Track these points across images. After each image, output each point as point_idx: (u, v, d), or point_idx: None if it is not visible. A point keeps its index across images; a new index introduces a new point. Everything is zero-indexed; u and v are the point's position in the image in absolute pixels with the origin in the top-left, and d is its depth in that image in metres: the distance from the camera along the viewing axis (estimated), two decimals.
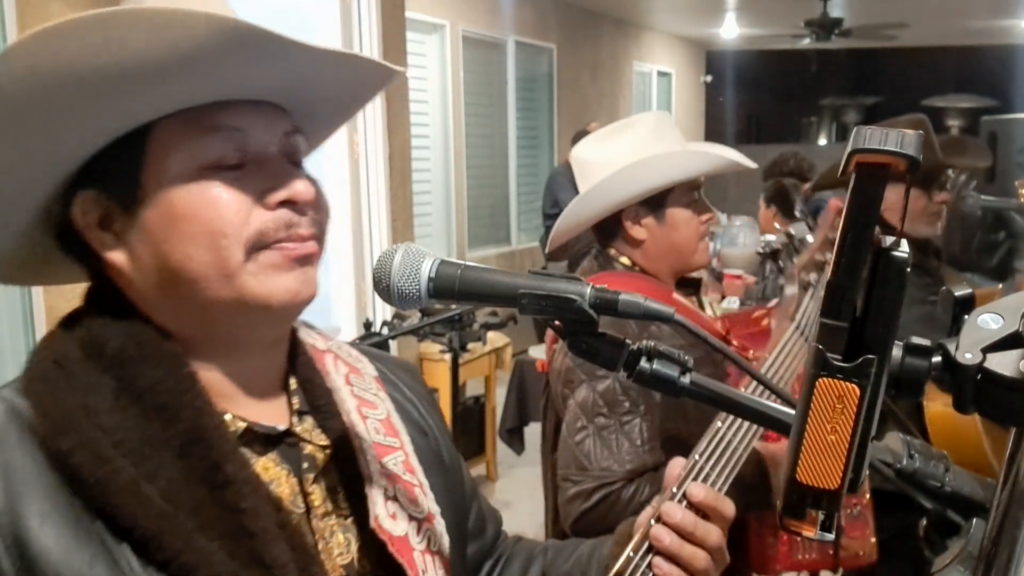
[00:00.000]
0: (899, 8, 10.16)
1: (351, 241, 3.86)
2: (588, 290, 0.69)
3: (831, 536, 0.50)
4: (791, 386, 1.46)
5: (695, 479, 1.10)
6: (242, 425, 0.79)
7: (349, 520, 0.83)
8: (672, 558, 0.95)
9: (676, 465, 1.05)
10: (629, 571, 0.98)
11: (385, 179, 3.92)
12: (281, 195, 0.77)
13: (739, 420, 1.21)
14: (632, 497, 1.47)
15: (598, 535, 1.42)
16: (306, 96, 0.82)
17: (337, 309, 3.95)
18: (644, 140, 1.69)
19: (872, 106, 17.40)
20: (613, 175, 1.66)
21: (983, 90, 14.09)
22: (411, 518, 0.84)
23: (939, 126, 11.97)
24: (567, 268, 4.94)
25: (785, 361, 1.42)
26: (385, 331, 3.13)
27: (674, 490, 1.01)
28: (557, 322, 0.71)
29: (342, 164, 3.84)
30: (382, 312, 3.86)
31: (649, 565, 0.97)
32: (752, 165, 1.77)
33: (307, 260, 0.79)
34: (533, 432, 4.36)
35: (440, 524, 0.88)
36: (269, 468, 0.80)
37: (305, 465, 0.82)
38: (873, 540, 1.61)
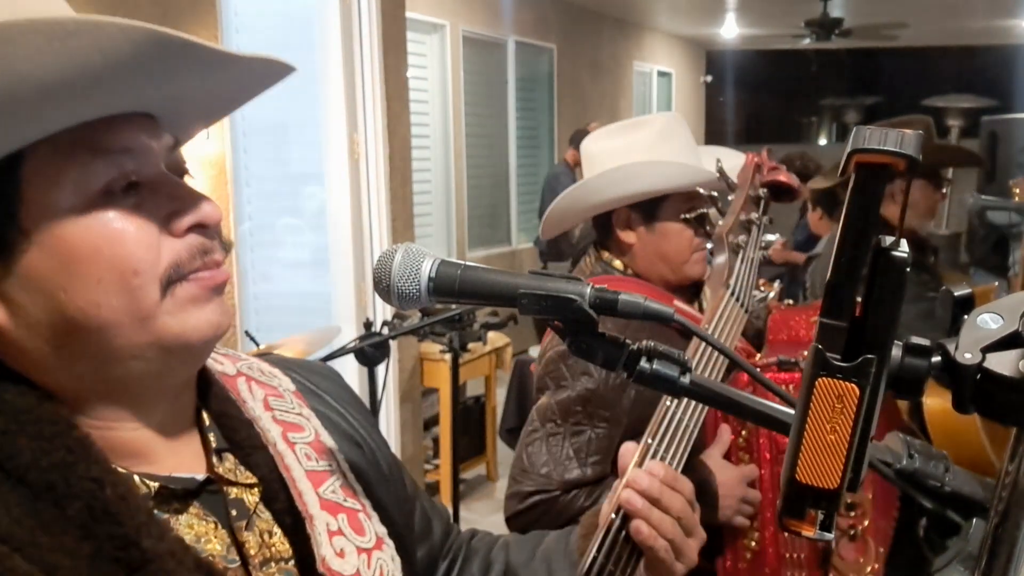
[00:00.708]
0: (899, 8, 10.16)
1: (351, 241, 3.86)
2: (588, 290, 0.69)
3: (830, 536, 0.50)
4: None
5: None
6: (155, 485, 0.69)
7: (290, 563, 0.75)
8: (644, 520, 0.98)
9: (627, 452, 1.06)
10: (608, 541, 1.01)
11: (385, 179, 3.92)
12: (190, 220, 0.68)
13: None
14: (567, 506, 1.50)
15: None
16: (185, 102, 0.72)
17: (337, 309, 3.95)
18: (647, 143, 1.67)
19: (872, 106, 17.39)
20: (600, 176, 1.65)
21: (983, 90, 14.07)
22: (359, 550, 0.77)
23: (939, 126, 11.96)
24: (569, 268, 4.93)
25: (724, 328, 1.38)
26: (385, 331, 3.13)
27: (631, 469, 1.04)
28: (557, 322, 0.71)
29: (342, 164, 3.84)
30: (382, 312, 3.86)
31: (626, 532, 1.00)
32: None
33: (222, 288, 0.71)
34: None
35: (389, 548, 0.81)
36: (194, 525, 0.71)
37: (234, 512, 0.73)
38: (873, 567, 1.54)
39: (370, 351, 2.76)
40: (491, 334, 4.51)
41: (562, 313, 0.69)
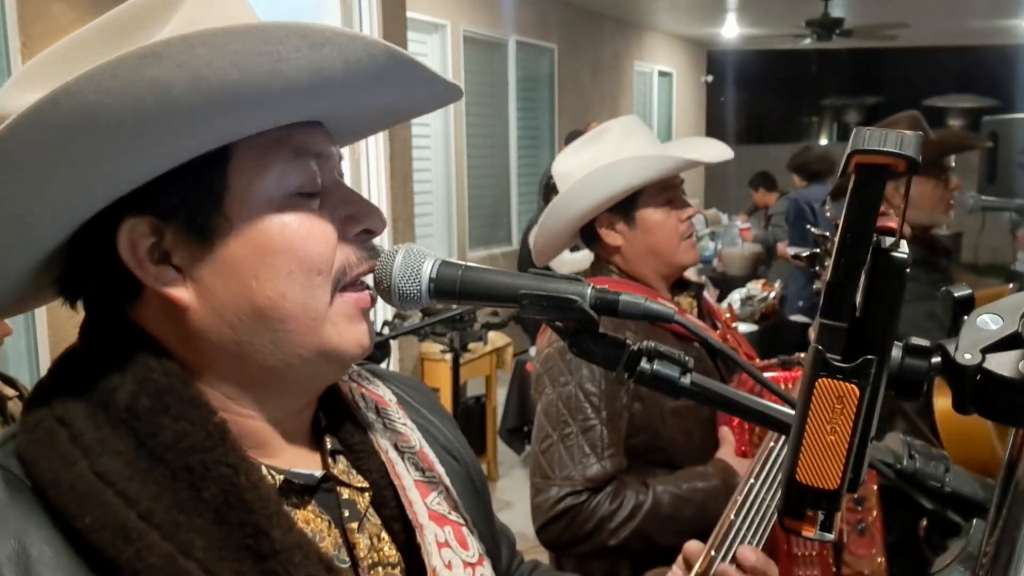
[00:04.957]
0: (900, 8, 10.15)
1: None
2: (588, 291, 0.69)
3: (831, 536, 0.50)
4: None
5: (735, 536, 1.12)
6: (280, 478, 0.71)
7: (397, 570, 0.76)
8: None
9: (693, 551, 1.03)
10: None
11: (385, 179, 3.92)
12: (363, 226, 0.73)
13: (771, 478, 1.23)
14: (594, 510, 1.51)
15: (562, 544, 1.49)
16: (357, 116, 0.77)
17: None
18: (610, 148, 1.68)
19: (873, 106, 17.40)
20: (569, 188, 1.67)
21: (984, 90, 14.07)
22: (465, 564, 0.77)
23: (940, 126, 11.97)
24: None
25: None
26: (386, 331, 3.13)
27: (713, 553, 1.03)
28: (558, 323, 0.71)
29: (342, 164, 3.84)
30: (383, 312, 3.86)
31: None
32: (704, 160, 1.67)
33: (368, 312, 0.75)
34: None
35: (488, 567, 0.80)
36: (311, 521, 0.72)
37: (346, 513, 0.75)
38: (880, 560, 1.56)
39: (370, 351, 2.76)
40: (492, 334, 4.51)
41: (563, 314, 0.69)
